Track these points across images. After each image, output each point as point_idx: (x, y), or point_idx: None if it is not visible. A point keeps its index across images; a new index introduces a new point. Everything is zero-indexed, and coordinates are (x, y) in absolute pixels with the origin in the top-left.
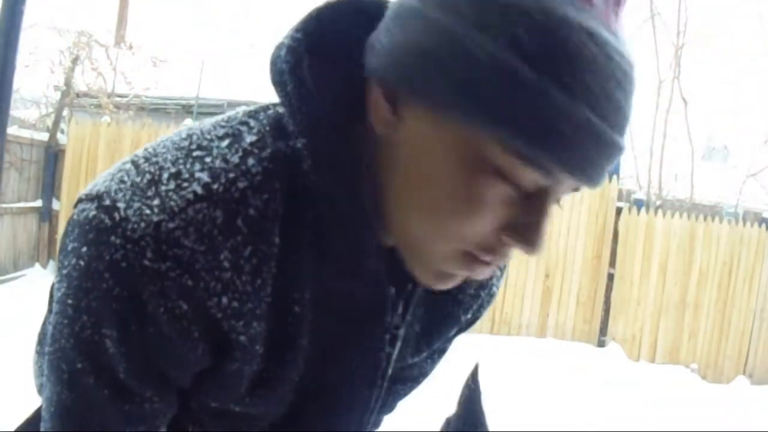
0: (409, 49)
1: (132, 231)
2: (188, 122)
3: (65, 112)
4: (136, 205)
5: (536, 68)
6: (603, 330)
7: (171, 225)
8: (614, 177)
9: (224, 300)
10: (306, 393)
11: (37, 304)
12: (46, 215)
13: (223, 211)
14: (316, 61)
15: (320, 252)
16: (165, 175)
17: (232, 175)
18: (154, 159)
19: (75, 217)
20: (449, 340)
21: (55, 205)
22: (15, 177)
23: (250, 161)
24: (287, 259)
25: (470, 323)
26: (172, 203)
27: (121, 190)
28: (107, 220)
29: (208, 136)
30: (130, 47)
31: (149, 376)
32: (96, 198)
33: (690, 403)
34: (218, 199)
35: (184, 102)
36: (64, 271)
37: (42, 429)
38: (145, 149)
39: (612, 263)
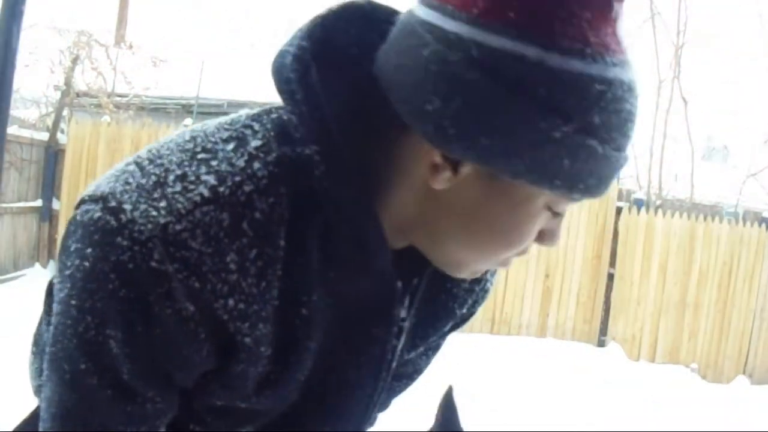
0: (485, 129)
1: (139, 233)
2: (188, 122)
3: (65, 112)
4: (143, 206)
5: (600, 139)
6: (603, 330)
7: (178, 227)
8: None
9: (230, 302)
10: (312, 389)
11: (37, 304)
12: (46, 215)
13: (229, 214)
14: (323, 69)
15: (327, 255)
16: (171, 177)
17: (238, 178)
18: (158, 161)
19: (78, 218)
20: (443, 336)
21: (55, 204)
22: (15, 177)
23: (256, 165)
24: (293, 263)
25: (465, 319)
26: (179, 205)
27: (126, 191)
28: (113, 222)
29: (213, 139)
30: (130, 47)
31: (153, 377)
32: (101, 199)
33: (690, 403)
34: (225, 202)
35: (184, 102)
36: (67, 272)
37: (41, 429)
38: (149, 150)
39: (612, 263)
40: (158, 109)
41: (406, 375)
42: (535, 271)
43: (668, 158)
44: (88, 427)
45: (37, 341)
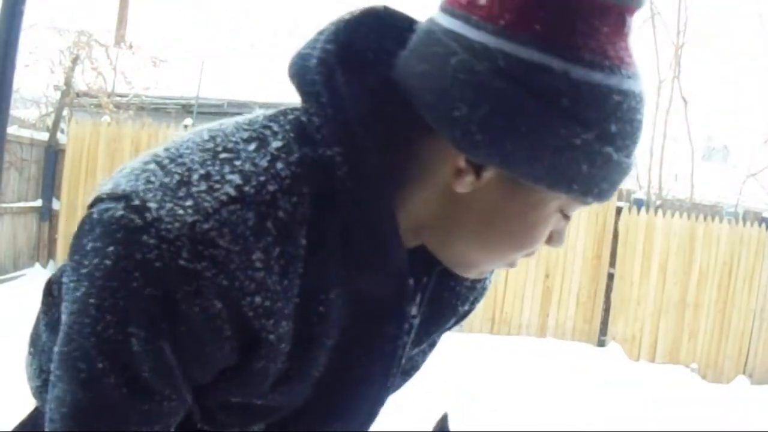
0: (510, 135)
1: (166, 231)
2: (188, 122)
3: (65, 112)
4: (169, 205)
5: (615, 147)
6: (603, 330)
7: (206, 226)
8: None
9: (257, 299)
10: (324, 385)
11: (37, 304)
12: (46, 215)
13: (254, 213)
14: (347, 73)
15: (346, 254)
16: (195, 177)
17: (262, 178)
18: (179, 160)
19: (95, 216)
20: (443, 332)
21: (55, 204)
22: (15, 177)
23: (279, 165)
24: (313, 261)
25: (464, 316)
26: (206, 204)
27: (150, 190)
28: (138, 220)
29: (233, 139)
30: (130, 47)
31: (172, 375)
32: (123, 197)
33: (690, 403)
34: (250, 201)
35: (184, 102)
36: (84, 271)
37: (49, 430)
38: (166, 149)
39: (612, 263)
40: (158, 109)
41: (404, 371)
42: (535, 271)
43: (668, 158)
44: (102, 427)
45: (35, 341)
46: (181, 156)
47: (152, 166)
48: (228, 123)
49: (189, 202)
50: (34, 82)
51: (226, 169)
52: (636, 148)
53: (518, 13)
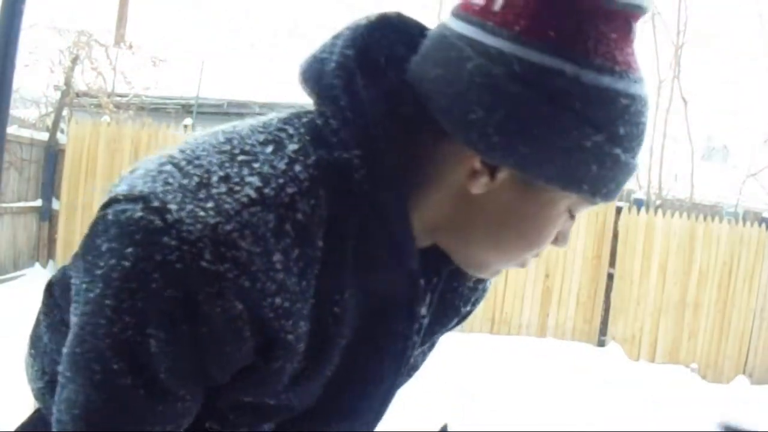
0: (525, 137)
1: (188, 232)
2: (188, 122)
3: (65, 112)
4: (189, 206)
5: (623, 148)
6: (603, 330)
7: (228, 227)
8: None
9: (277, 300)
10: (334, 384)
11: (37, 303)
12: (46, 215)
13: (274, 215)
14: (366, 77)
15: (360, 254)
16: (214, 178)
17: (281, 180)
18: (197, 162)
19: (111, 217)
20: (444, 333)
21: (55, 204)
22: (15, 177)
23: (297, 168)
24: (329, 262)
25: (465, 316)
26: (227, 206)
27: (169, 191)
28: (158, 221)
29: (250, 142)
30: (130, 47)
31: (189, 376)
32: (140, 199)
33: (690, 403)
34: (270, 203)
35: (183, 102)
36: (99, 272)
37: (57, 431)
38: (181, 151)
39: (612, 263)
40: (158, 109)
41: (405, 372)
42: (535, 271)
43: (668, 158)
44: (116, 428)
45: (35, 343)
46: (198, 158)
47: (169, 167)
48: (242, 125)
49: (210, 204)
50: (34, 81)
51: (245, 171)
52: (641, 150)
53: (532, 20)
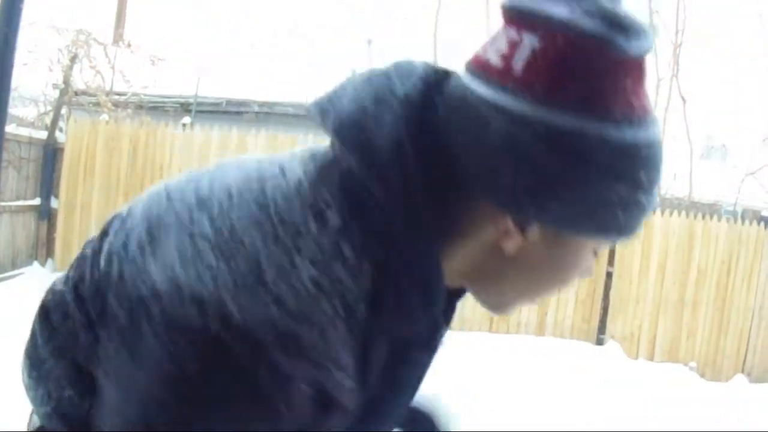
0: (553, 196)
1: (252, 336)
2: (186, 120)
3: (64, 111)
4: (249, 307)
5: (645, 191)
6: (602, 328)
7: (291, 324)
8: None
9: (337, 377)
10: (355, 416)
11: (36, 302)
12: (45, 213)
13: (329, 304)
14: (414, 147)
15: (397, 310)
16: (266, 270)
17: (331, 264)
18: (239, 247)
19: (158, 318)
20: None
21: (54, 203)
22: (13, 175)
23: (345, 249)
24: (369, 323)
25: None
26: (288, 303)
27: (219, 287)
28: (221, 332)
29: (288, 213)
30: (129, 46)
31: None
32: (193, 302)
33: (689, 402)
34: (326, 292)
35: (182, 100)
36: (156, 372)
37: None
38: (212, 224)
39: (611, 261)
40: (157, 108)
41: None
42: None
43: (667, 157)
44: None
45: (36, 365)
46: (241, 242)
47: (206, 249)
48: (263, 175)
49: (269, 299)
50: (33, 80)
51: (296, 258)
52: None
53: (552, 83)
